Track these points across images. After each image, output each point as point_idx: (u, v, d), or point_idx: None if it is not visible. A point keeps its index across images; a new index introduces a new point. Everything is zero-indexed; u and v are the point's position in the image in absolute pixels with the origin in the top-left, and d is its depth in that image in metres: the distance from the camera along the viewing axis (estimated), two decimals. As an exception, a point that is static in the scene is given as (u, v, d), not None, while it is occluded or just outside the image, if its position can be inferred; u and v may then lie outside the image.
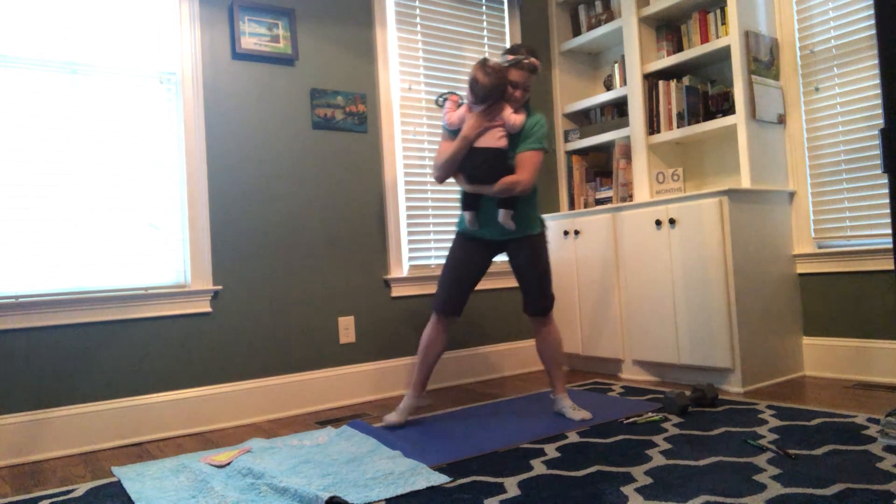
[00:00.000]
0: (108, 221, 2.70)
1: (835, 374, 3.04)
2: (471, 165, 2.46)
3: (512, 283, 3.75)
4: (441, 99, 2.61)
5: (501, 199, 2.49)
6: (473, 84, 2.42)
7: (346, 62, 3.29)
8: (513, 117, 2.46)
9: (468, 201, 2.55)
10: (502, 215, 2.49)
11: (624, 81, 3.68)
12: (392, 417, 2.58)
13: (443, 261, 3.38)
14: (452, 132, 2.53)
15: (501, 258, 3.45)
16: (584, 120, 4.07)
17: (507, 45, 3.85)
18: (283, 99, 3.10)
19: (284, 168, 3.09)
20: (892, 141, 1.34)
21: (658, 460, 1.96)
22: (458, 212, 3.43)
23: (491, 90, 2.40)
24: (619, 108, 3.85)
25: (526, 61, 2.47)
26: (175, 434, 2.74)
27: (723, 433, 2.20)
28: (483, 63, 2.43)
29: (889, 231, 2.86)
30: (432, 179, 3.51)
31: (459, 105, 2.57)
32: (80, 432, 2.56)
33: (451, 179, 2.65)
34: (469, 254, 2.61)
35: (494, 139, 2.45)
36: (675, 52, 3.44)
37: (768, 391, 2.83)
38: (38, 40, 2.59)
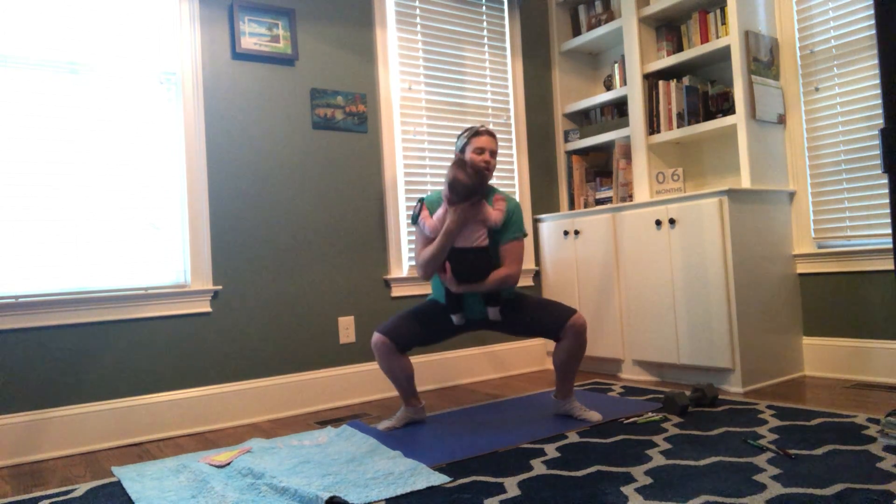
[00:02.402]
0: (109, 221, 2.70)
1: (835, 374, 3.04)
2: (458, 268, 2.41)
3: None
4: (415, 213, 2.52)
5: (489, 297, 2.47)
6: (454, 184, 2.38)
7: (346, 62, 3.29)
8: (493, 214, 2.44)
9: (454, 304, 2.49)
10: (492, 314, 2.47)
11: (624, 81, 3.68)
12: (385, 424, 2.56)
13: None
14: (432, 237, 2.47)
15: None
16: (584, 120, 4.07)
17: (507, 46, 3.86)
18: (283, 99, 3.10)
19: (284, 168, 3.09)
20: (892, 141, 1.34)
21: (658, 460, 1.96)
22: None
23: (472, 188, 2.38)
24: (619, 108, 3.85)
25: (481, 128, 2.55)
26: (175, 434, 2.74)
27: (723, 433, 2.20)
28: (460, 163, 2.42)
29: (889, 231, 2.86)
30: (432, 179, 3.51)
31: (430, 210, 2.52)
32: (80, 432, 2.56)
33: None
34: (440, 320, 2.55)
35: (476, 238, 2.42)
36: (675, 52, 3.44)
37: (768, 391, 2.83)
38: (39, 40, 2.59)
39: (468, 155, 2.52)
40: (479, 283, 2.42)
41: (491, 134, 2.56)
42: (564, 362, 2.51)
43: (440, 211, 2.46)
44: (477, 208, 2.42)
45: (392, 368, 2.51)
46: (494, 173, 3.75)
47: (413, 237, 3.43)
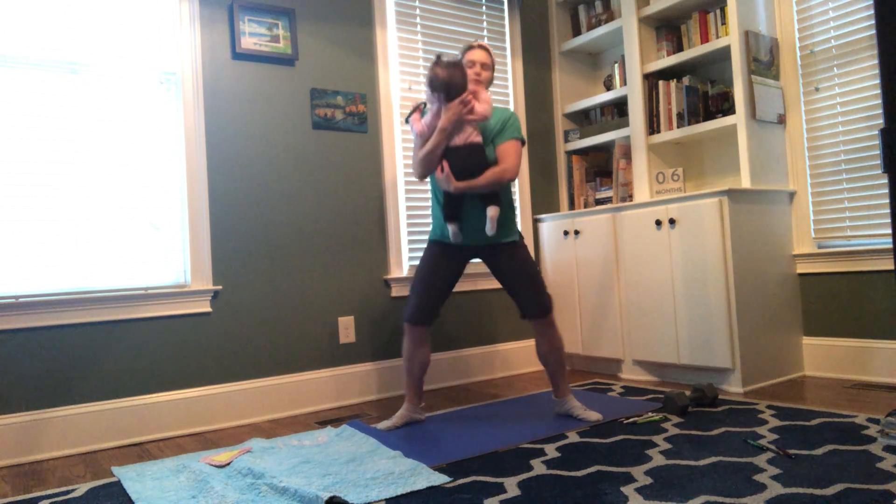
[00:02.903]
0: (109, 221, 2.70)
1: (835, 374, 3.04)
2: (454, 163, 2.44)
3: (512, 283, 3.74)
4: (409, 114, 2.59)
5: (488, 197, 2.47)
6: (433, 81, 2.41)
7: (346, 62, 3.29)
8: (480, 106, 2.45)
9: (452, 212, 2.50)
10: (491, 211, 2.45)
11: (624, 81, 3.68)
12: (385, 424, 2.57)
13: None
14: (420, 141, 2.51)
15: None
16: (584, 120, 4.07)
17: (507, 46, 3.86)
18: (283, 99, 3.10)
19: (284, 168, 3.09)
20: (892, 141, 1.34)
21: (658, 460, 1.96)
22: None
23: (449, 81, 2.40)
24: (619, 108, 3.85)
25: (474, 42, 2.62)
26: (175, 434, 2.74)
27: (723, 433, 2.20)
28: (436, 60, 2.45)
29: (889, 231, 2.86)
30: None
31: (423, 114, 2.55)
32: (80, 432, 2.56)
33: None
34: (442, 262, 2.57)
35: (469, 135, 2.45)
36: (675, 52, 3.44)
37: (768, 391, 2.83)
38: (38, 40, 2.59)
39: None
40: (476, 178, 2.43)
41: (483, 47, 2.60)
42: (545, 359, 2.59)
43: (429, 115, 2.49)
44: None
45: (412, 356, 2.58)
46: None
47: (413, 237, 3.45)
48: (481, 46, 2.60)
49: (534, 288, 2.53)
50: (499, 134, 2.52)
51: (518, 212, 3.81)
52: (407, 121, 2.59)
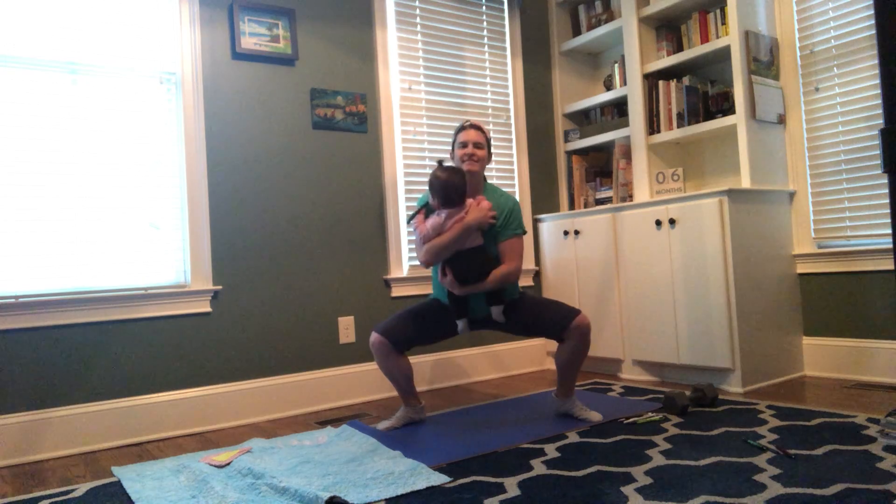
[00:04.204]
0: (108, 221, 2.70)
1: (835, 374, 3.04)
2: (458, 269, 2.42)
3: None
4: (411, 215, 2.54)
5: (491, 297, 2.48)
6: (433, 184, 2.40)
7: (346, 62, 3.29)
8: (472, 213, 2.42)
9: (459, 308, 2.50)
10: (496, 313, 2.48)
11: (624, 81, 3.68)
12: (385, 424, 2.57)
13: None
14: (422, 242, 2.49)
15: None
16: (584, 120, 4.07)
17: (507, 46, 3.86)
18: (283, 99, 3.10)
19: (284, 168, 3.09)
20: (892, 141, 1.34)
21: (658, 460, 1.96)
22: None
23: (448, 182, 2.39)
24: (619, 108, 3.85)
25: (465, 123, 2.59)
26: (175, 434, 2.74)
27: (723, 433, 2.20)
28: (438, 165, 2.44)
29: (889, 231, 2.86)
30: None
31: (426, 216, 2.51)
32: (80, 432, 2.56)
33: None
34: (437, 318, 2.56)
35: (470, 240, 2.43)
36: (675, 52, 3.44)
37: (768, 391, 2.83)
38: (38, 40, 2.59)
39: (456, 152, 2.58)
40: (481, 282, 2.43)
41: (476, 127, 2.57)
42: (567, 362, 2.50)
43: (433, 218, 2.45)
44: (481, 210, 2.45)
45: (390, 369, 2.52)
46: (495, 172, 3.75)
47: (412, 237, 3.44)
48: (473, 126, 2.57)
49: (554, 304, 2.51)
50: (501, 229, 2.51)
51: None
52: (409, 221, 2.55)
